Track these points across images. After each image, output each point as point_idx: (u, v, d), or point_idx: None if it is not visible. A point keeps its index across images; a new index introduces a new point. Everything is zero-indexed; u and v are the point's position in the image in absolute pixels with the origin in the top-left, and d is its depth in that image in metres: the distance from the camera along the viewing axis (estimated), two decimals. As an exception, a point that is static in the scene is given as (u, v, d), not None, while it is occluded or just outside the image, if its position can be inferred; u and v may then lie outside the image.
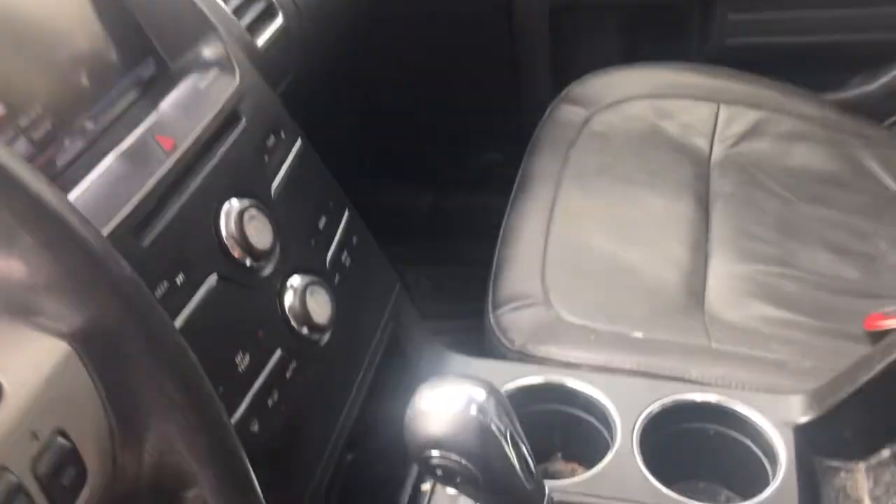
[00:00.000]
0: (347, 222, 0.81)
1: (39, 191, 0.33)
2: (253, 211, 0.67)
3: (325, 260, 0.76)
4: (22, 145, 0.59)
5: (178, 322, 0.59)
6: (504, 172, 1.30)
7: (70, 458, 0.32)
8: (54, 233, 0.33)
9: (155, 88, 0.70)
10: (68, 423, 0.32)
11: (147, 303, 0.36)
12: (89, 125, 0.65)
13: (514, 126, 1.56)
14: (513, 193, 1.24)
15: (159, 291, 0.59)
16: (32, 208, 0.32)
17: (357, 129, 1.68)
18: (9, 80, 0.60)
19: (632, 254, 1.08)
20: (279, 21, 0.84)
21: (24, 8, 0.63)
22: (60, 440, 0.31)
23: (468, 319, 1.11)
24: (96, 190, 0.59)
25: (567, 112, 1.37)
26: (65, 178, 0.61)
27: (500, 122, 1.65)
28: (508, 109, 1.63)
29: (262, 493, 0.46)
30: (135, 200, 0.59)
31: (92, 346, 0.34)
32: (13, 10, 0.62)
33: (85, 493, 0.33)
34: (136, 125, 0.65)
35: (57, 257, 0.32)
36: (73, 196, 0.58)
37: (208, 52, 0.73)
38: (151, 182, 0.61)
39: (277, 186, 0.72)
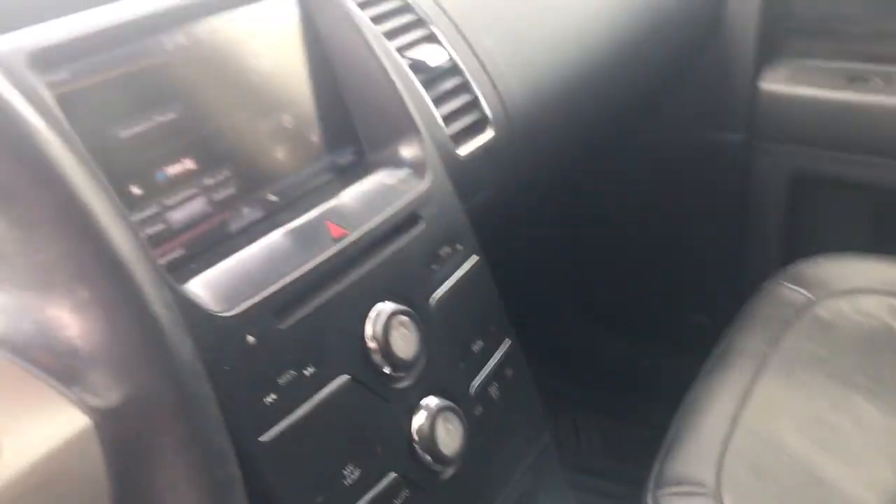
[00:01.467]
0: (506, 353, 0.75)
1: (111, 238, 0.31)
2: (403, 318, 0.63)
3: (470, 387, 0.70)
4: (199, 204, 0.60)
5: (295, 416, 0.56)
6: (706, 338, 1.19)
7: None
8: (115, 290, 0.29)
9: (346, 176, 0.70)
10: None
11: (202, 395, 0.32)
12: (272, 198, 0.65)
13: (728, 293, 1.44)
14: (708, 363, 1.12)
15: (284, 379, 0.56)
16: (98, 256, 0.30)
17: (550, 256, 1.61)
18: (206, 139, 0.61)
19: (830, 466, 0.92)
20: (488, 135, 0.82)
21: (246, 73, 0.65)
22: None
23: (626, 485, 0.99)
24: (252, 262, 0.58)
25: (789, 291, 1.23)
26: (232, 244, 0.60)
27: (714, 286, 1.54)
28: (726, 275, 1.51)
29: None
30: (285, 280, 0.57)
31: (118, 429, 0.30)
32: (234, 71, 0.64)
33: None
34: (314, 207, 0.64)
35: (112, 319, 0.29)
36: (229, 264, 0.57)
37: (406, 151, 0.72)
38: (307, 266, 0.59)
39: (438, 298, 0.68)
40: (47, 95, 0.51)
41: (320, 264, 0.60)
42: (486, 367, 0.72)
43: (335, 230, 0.62)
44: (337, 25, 0.71)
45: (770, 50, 1.33)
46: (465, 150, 0.79)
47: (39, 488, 0.26)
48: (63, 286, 0.28)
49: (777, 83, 1.32)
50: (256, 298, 0.55)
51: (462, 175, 0.77)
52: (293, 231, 0.62)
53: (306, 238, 0.61)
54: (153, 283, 0.32)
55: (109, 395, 0.29)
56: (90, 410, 0.28)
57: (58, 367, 0.28)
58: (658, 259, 1.54)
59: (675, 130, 1.40)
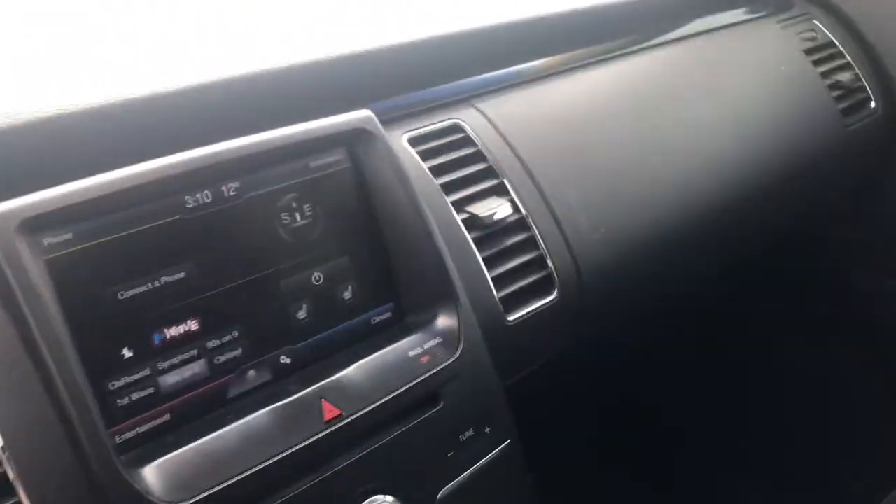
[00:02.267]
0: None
1: None
2: (397, 517, 0.57)
3: None
4: (197, 367, 0.58)
5: None
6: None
7: None
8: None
9: (377, 338, 0.66)
10: None
11: None
12: (284, 360, 0.62)
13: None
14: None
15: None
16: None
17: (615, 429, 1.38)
18: (216, 298, 0.59)
19: None
20: (551, 297, 0.75)
21: (275, 227, 0.62)
22: None
23: None
24: (228, 442, 0.55)
25: None
26: (224, 414, 0.58)
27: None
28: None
29: None
30: (255, 468, 0.53)
31: None
32: (262, 227, 0.62)
33: None
34: (320, 377, 0.60)
35: None
36: (201, 444, 0.54)
37: (441, 319, 0.66)
38: (284, 453, 0.55)
39: (448, 493, 0.62)
40: (35, 259, 0.51)
41: (301, 451, 0.55)
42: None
43: (329, 410, 0.58)
44: (386, 176, 0.67)
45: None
46: (518, 314, 0.72)
47: None
48: None
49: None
50: (211, 490, 0.51)
51: (511, 344, 0.71)
52: (283, 408, 0.58)
53: (295, 417, 0.57)
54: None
55: None
56: None
57: None
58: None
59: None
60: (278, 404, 0.58)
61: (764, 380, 1.33)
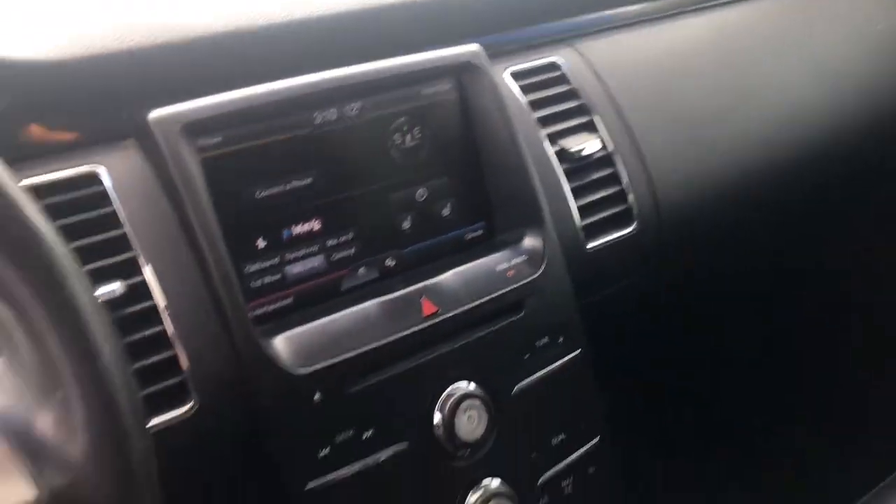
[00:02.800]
0: (591, 450, 0.75)
1: (98, 346, 0.37)
2: (475, 401, 0.66)
3: (540, 478, 0.72)
4: (317, 261, 0.68)
5: (343, 473, 0.62)
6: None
7: None
8: (91, 414, 0.36)
9: (469, 252, 0.74)
10: None
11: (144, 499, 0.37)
12: (389, 262, 0.71)
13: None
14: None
15: (340, 438, 0.62)
16: (82, 364, 0.36)
17: (688, 369, 1.38)
18: (337, 203, 0.68)
19: None
20: (629, 229, 0.82)
21: (387, 147, 0.71)
22: None
23: None
24: (342, 325, 0.65)
25: None
26: (336, 302, 0.67)
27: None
28: None
29: None
30: (363, 348, 0.63)
31: None
32: (376, 145, 0.70)
33: None
34: (418, 280, 0.69)
35: (81, 434, 0.36)
36: (321, 323, 0.64)
37: (527, 240, 0.74)
38: (389, 338, 0.64)
39: (522, 388, 0.71)
40: (193, 158, 0.61)
41: (403, 338, 0.65)
42: (563, 461, 0.73)
43: (428, 307, 0.67)
44: (489, 107, 0.74)
45: None
46: (597, 242, 0.80)
47: None
48: (55, 394, 0.36)
49: None
50: (330, 361, 0.61)
51: (589, 268, 0.78)
52: (389, 301, 0.67)
53: (399, 311, 0.67)
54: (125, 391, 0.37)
55: (60, 480, 0.35)
56: (41, 488, 0.35)
57: (28, 446, 0.35)
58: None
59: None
60: (384, 298, 0.67)
61: (840, 337, 1.35)
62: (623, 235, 0.82)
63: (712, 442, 1.30)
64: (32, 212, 0.36)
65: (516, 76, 0.81)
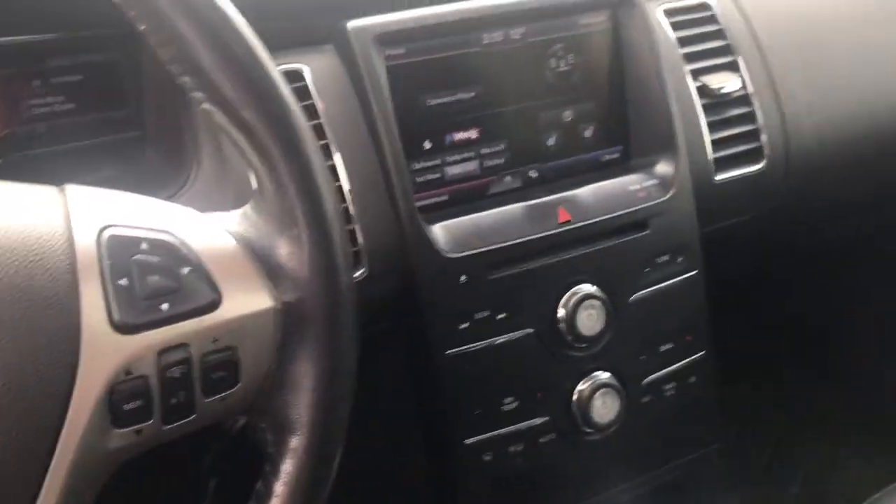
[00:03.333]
0: (695, 361, 0.84)
1: (324, 198, 0.47)
2: (596, 302, 0.76)
3: (645, 378, 0.81)
4: (471, 165, 0.78)
5: (479, 345, 0.73)
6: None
7: (230, 368, 0.45)
8: (316, 242, 0.46)
9: (606, 171, 0.82)
10: (241, 346, 0.45)
11: (346, 314, 0.48)
12: (533, 174, 0.80)
13: None
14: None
15: (479, 315, 0.73)
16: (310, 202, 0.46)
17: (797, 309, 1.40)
18: (494, 116, 0.77)
19: None
20: (758, 167, 0.87)
21: (543, 70, 0.79)
22: (230, 353, 0.46)
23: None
24: (489, 222, 0.75)
25: None
26: (485, 203, 0.77)
27: None
28: None
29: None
30: (505, 244, 0.73)
31: (289, 317, 0.46)
32: (534, 68, 0.79)
33: (228, 398, 0.45)
34: (558, 192, 0.79)
35: (308, 259, 0.46)
36: (471, 219, 0.74)
37: (661, 166, 0.82)
38: (528, 238, 0.74)
39: (640, 297, 0.79)
40: (381, 64, 0.71)
41: (539, 239, 0.74)
42: (667, 367, 0.82)
43: (563, 215, 0.76)
44: (639, 40, 0.81)
45: None
46: (725, 175, 0.86)
47: (233, 333, 0.45)
48: (290, 231, 0.47)
49: None
50: (477, 250, 0.72)
51: (715, 198, 0.85)
52: (530, 207, 0.77)
53: (538, 216, 0.76)
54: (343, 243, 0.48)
55: (291, 296, 0.47)
56: (276, 300, 0.47)
57: (268, 268, 0.47)
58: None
59: None
60: (525, 203, 0.77)
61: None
62: (751, 172, 0.87)
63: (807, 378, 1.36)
64: (289, 94, 0.47)
65: (668, 13, 0.87)
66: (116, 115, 0.76)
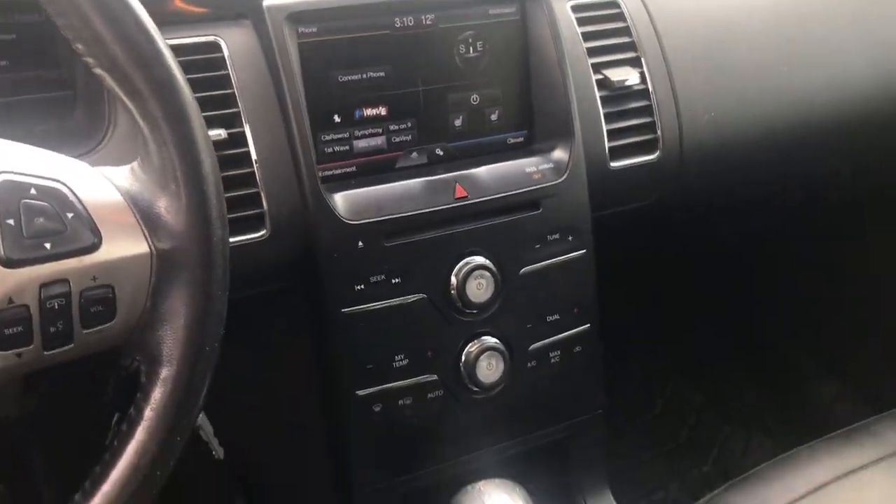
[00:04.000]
0: (580, 333, 0.91)
1: (202, 159, 0.53)
2: (486, 273, 0.82)
3: (530, 346, 0.88)
4: (379, 140, 0.84)
5: (373, 305, 0.79)
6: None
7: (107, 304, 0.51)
8: (194, 191, 0.52)
9: (509, 153, 0.89)
10: (118, 285, 0.51)
11: (218, 261, 0.54)
12: (439, 152, 0.87)
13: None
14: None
15: (374, 279, 0.79)
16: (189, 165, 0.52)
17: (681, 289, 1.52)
18: (403, 95, 0.83)
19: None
20: (652, 157, 0.94)
21: (452, 54, 0.85)
22: (107, 291, 0.52)
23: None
24: (389, 194, 0.81)
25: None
26: (390, 176, 0.83)
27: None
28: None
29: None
30: (402, 214, 0.79)
31: (163, 262, 0.52)
32: (443, 51, 0.84)
33: (104, 331, 0.51)
34: (457, 170, 0.85)
35: (184, 214, 0.52)
36: (373, 190, 0.80)
37: (558, 151, 0.88)
38: (424, 210, 0.80)
39: (528, 271, 0.86)
40: (294, 41, 0.77)
41: (434, 212, 0.81)
42: (553, 336, 0.89)
43: (460, 191, 0.83)
44: (545, 32, 0.87)
45: None
46: (620, 163, 0.93)
47: (111, 273, 0.51)
48: (170, 187, 0.53)
49: None
50: (375, 219, 0.78)
51: (609, 184, 0.92)
52: (430, 182, 0.83)
53: (437, 190, 0.82)
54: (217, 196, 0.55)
55: (167, 244, 0.53)
56: (153, 246, 0.53)
57: (147, 218, 0.53)
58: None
59: None
60: (427, 178, 0.83)
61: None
62: (646, 161, 0.94)
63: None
64: (174, 63, 0.52)
65: (576, 8, 0.93)
66: (49, 74, 0.81)
